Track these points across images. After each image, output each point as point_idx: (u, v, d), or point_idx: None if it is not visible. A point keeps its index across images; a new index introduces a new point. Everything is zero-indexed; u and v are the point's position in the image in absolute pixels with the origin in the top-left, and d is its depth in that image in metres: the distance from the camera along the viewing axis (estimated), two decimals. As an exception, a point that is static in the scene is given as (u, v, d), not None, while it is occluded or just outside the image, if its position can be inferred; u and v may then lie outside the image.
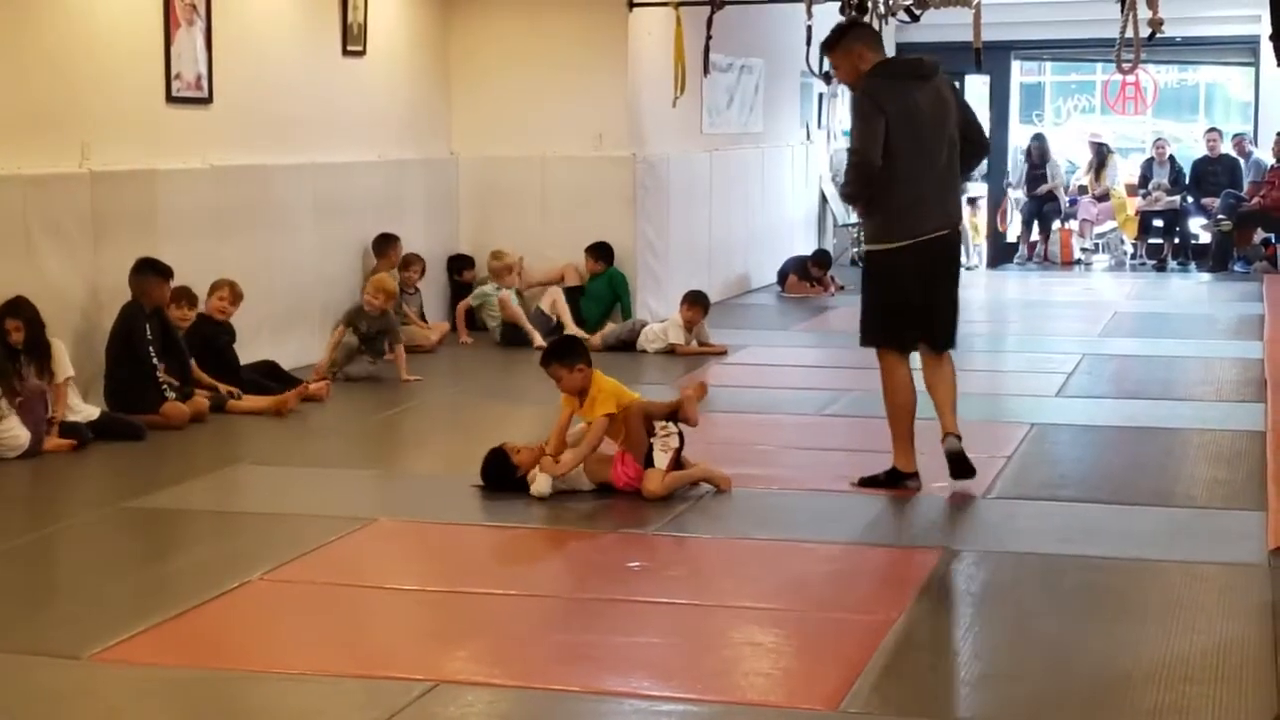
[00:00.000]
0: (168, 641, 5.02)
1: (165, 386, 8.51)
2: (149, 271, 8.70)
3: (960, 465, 7.07)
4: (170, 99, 9.54)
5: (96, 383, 8.64)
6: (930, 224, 7.03)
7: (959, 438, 7.08)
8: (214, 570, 5.80)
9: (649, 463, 6.95)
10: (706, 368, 10.75)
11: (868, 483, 7.16)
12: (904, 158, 6.90)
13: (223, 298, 9.37)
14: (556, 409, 7.29)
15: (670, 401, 7.23)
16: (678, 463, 7.03)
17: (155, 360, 8.51)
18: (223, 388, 9.00)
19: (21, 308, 7.96)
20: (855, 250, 18.96)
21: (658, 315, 12.42)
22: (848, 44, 7.20)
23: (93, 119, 8.90)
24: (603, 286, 12.53)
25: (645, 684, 4.63)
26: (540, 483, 6.89)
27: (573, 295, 12.50)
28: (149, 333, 8.55)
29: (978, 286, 16.89)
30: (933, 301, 7.13)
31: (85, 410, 8.21)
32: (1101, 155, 19.04)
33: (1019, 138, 20.51)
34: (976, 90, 19.80)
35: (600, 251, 12.60)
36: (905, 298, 7.04)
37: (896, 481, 7.14)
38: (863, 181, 6.98)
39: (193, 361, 8.91)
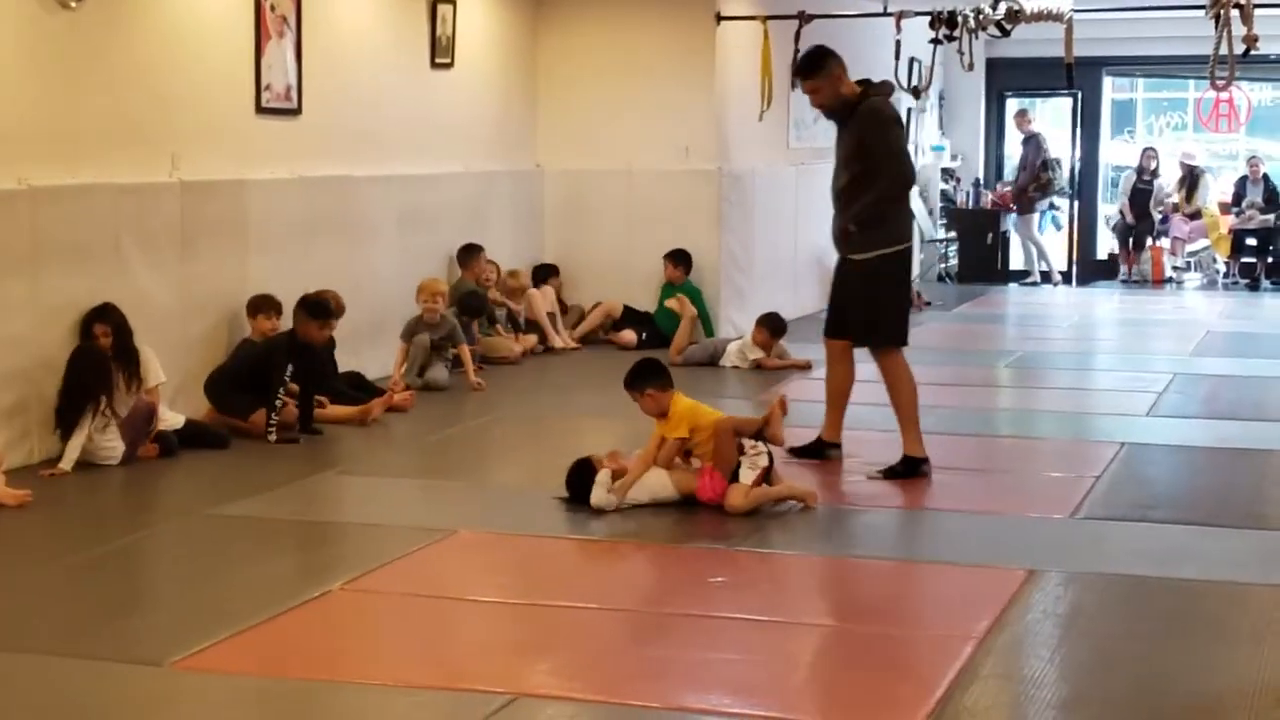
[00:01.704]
0: (249, 650, 5.03)
1: (272, 429, 8.46)
2: (305, 314, 8.74)
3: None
4: (260, 110, 9.61)
5: (184, 390, 8.70)
6: (910, 228, 7.95)
7: None
8: (296, 579, 5.83)
9: (735, 479, 6.90)
10: (788, 381, 10.68)
11: (893, 474, 7.57)
12: None
13: None
14: (639, 421, 7.28)
15: (759, 418, 7.17)
16: (765, 481, 6.97)
17: (279, 400, 8.49)
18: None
19: (109, 313, 8.04)
20: (943, 266, 18.86)
21: (741, 330, 12.36)
22: (830, 67, 7.64)
23: (183, 129, 8.98)
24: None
25: (726, 701, 4.59)
26: (597, 495, 6.85)
27: (641, 315, 12.49)
28: (288, 371, 8.53)
29: (1068, 304, 16.72)
30: (907, 297, 8.06)
31: (172, 418, 8.26)
32: (1194, 176, 18.81)
33: (1110, 154, 20.31)
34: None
35: (680, 258, 12.55)
36: (906, 293, 7.97)
37: (916, 469, 7.61)
38: (902, 194, 7.75)
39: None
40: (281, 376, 8.48)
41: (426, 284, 10.46)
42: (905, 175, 7.67)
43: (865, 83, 7.77)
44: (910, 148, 17.92)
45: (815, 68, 7.62)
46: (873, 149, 7.51)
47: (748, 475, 6.88)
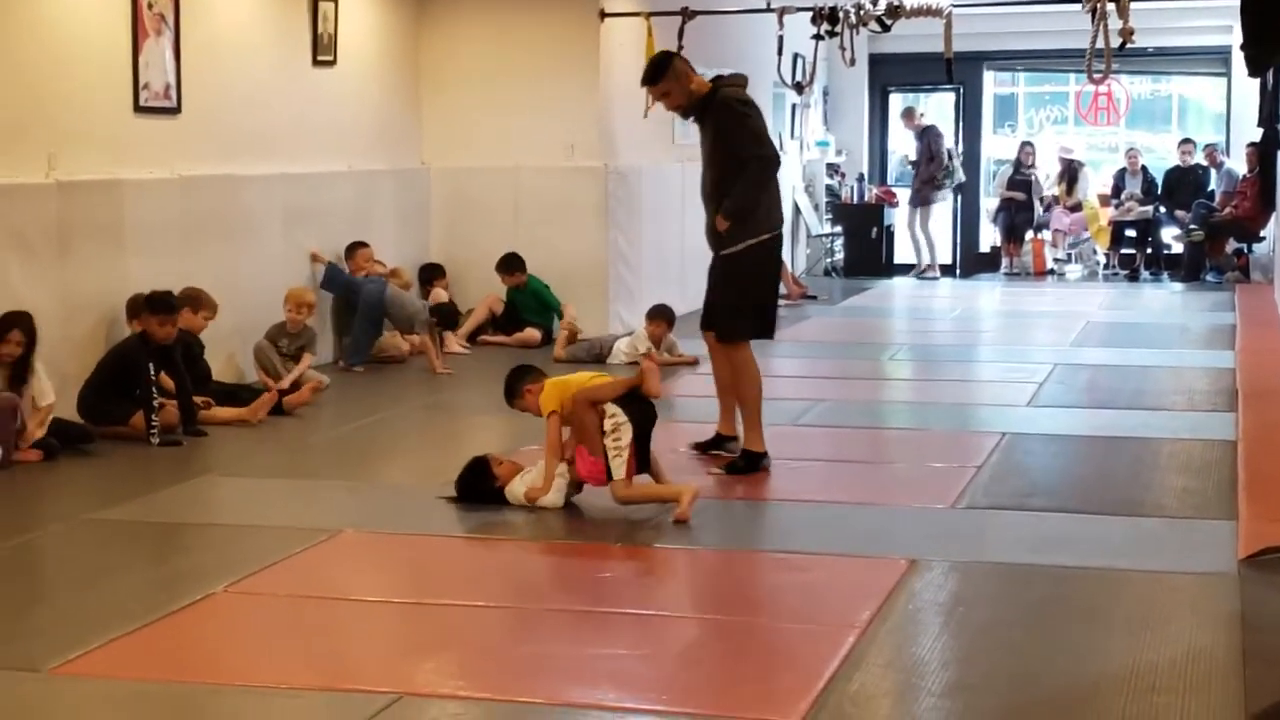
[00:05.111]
0: (129, 654, 4.97)
1: (154, 431, 8.34)
2: (148, 311, 8.57)
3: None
4: (138, 109, 9.49)
5: (63, 394, 8.51)
6: (781, 214, 7.78)
7: None
8: (177, 582, 5.76)
9: (609, 473, 6.77)
10: (677, 378, 10.72)
11: (734, 469, 7.59)
12: None
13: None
14: (527, 421, 7.27)
15: (623, 380, 6.97)
16: (644, 457, 6.80)
17: (155, 401, 8.36)
18: (199, 399, 8.92)
19: (22, 320, 7.94)
20: (829, 260, 19.01)
21: (630, 326, 12.40)
22: (676, 67, 7.65)
23: (59, 129, 8.84)
24: (529, 299, 12.52)
25: (611, 696, 4.60)
26: (553, 496, 6.81)
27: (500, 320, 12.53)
28: (152, 370, 8.39)
29: (952, 297, 16.93)
30: (775, 289, 7.94)
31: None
32: (1072, 171, 19.10)
33: (991, 148, 20.59)
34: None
35: (512, 263, 12.50)
36: (774, 285, 7.86)
37: (757, 464, 7.61)
38: (770, 176, 7.59)
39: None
40: (148, 377, 8.35)
41: (293, 293, 10.35)
42: (769, 158, 7.57)
43: (718, 77, 7.81)
44: (795, 144, 18.25)
45: (659, 72, 7.63)
46: (733, 137, 7.52)
47: (618, 466, 6.71)
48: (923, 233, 18.63)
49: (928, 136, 18.61)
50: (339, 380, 10.47)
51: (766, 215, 7.62)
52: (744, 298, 7.67)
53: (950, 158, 18.75)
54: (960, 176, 19.05)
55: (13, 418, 7.81)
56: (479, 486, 6.96)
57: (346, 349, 11.27)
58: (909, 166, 19.04)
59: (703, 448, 7.90)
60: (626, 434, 6.72)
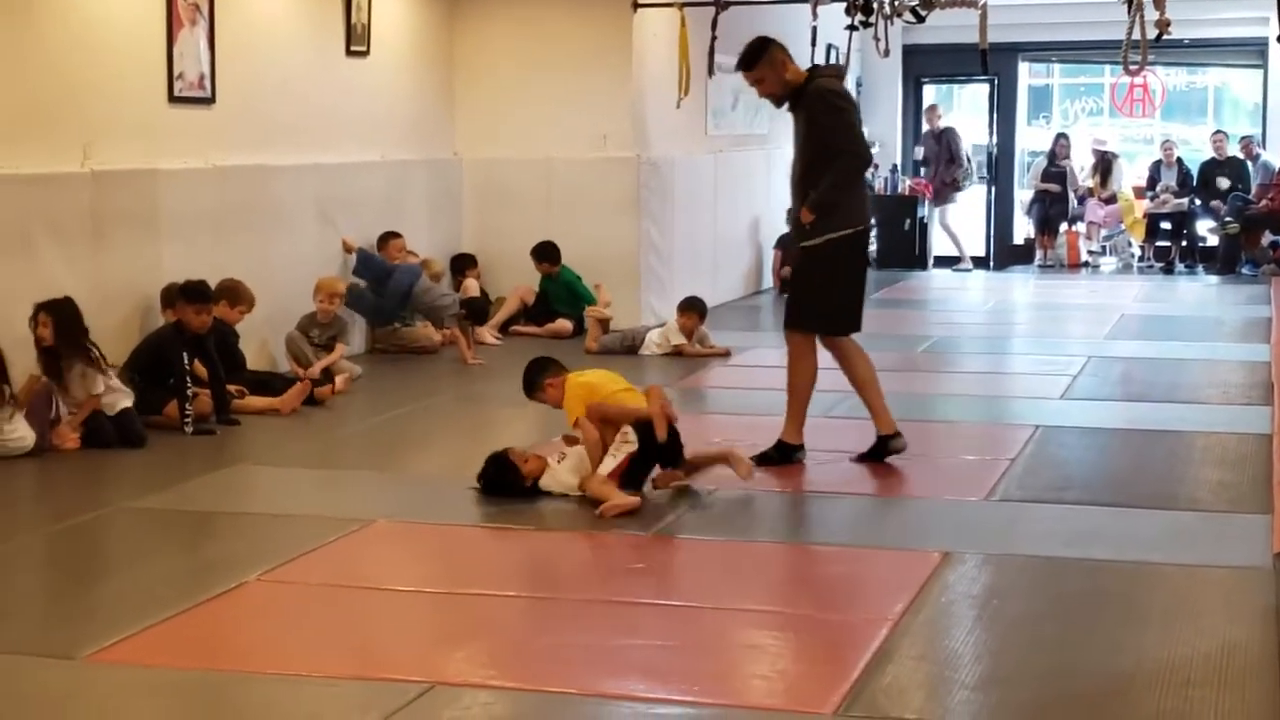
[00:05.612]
0: (164, 642, 4.99)
1: (188, 420, 8.38)
2: (183, 300, 8.59)
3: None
4: (172, 99, 9.52)
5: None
6: (867, 211, 7.79)
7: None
8: (211, 571, 5.77)
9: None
10: (708, 370, 10.71)
11: (766, 460, 7.48)
12: None
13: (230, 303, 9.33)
14: (557, 411, 7.27)
15: (637, 409, 6.93)
16: (634, 479, 6.82)
17: (190, 389, 8.39)
18: (233, 388, 8.95)
19: (50, 305, 7.98)
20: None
21: (662, 317, 12.38)
22: (773, 54, 7.53)
23: (94, 118, 8.88)
24: (561, 289, 12.50)
25: (642, 686, 4.60)
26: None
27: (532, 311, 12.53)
28: (186, 359, 8.43)
29: (985, 290, 16.86)
30: (855, 285, 7.71)
31: (111, 401, 8.12)
32: (1106, 163, 19.01)
33: (1026, 140, 20.51)
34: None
35: (547, 252, 12.49)
36: (854, 281, 7.66)
37: (790, 456, 7.57)
38: (860, 173, 7.61)
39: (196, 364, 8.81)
40: (182, 367, 8.38)
41: (323, 283, 10.38)
42: (859, 154, 7.51)
43: (815, 67, 7.73)
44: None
45: (756, 57, 7.52)
46: (824, 130, 7.42)
47: (608, 462, 6.76)
48: (943, 228, 18.62)
49: (946, 137, 18.59)
50: (371, 371, 10.50)
51: (852, 211, 7.51)
52: (821, 291, 7.54)
53: (968, 159, 18.74)
54: (976, 178, 19.05)
55: (49, 404, 7.86)
56: (502, 482, 6.95)
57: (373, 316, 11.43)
58: (921, 166, 19.01)
59: (865, 456, 7.70)
60: (628, 449, 6.79)
